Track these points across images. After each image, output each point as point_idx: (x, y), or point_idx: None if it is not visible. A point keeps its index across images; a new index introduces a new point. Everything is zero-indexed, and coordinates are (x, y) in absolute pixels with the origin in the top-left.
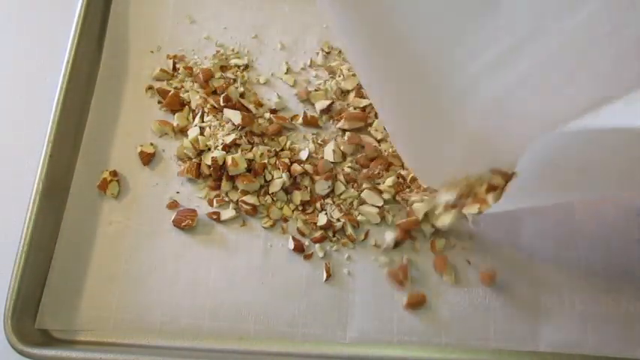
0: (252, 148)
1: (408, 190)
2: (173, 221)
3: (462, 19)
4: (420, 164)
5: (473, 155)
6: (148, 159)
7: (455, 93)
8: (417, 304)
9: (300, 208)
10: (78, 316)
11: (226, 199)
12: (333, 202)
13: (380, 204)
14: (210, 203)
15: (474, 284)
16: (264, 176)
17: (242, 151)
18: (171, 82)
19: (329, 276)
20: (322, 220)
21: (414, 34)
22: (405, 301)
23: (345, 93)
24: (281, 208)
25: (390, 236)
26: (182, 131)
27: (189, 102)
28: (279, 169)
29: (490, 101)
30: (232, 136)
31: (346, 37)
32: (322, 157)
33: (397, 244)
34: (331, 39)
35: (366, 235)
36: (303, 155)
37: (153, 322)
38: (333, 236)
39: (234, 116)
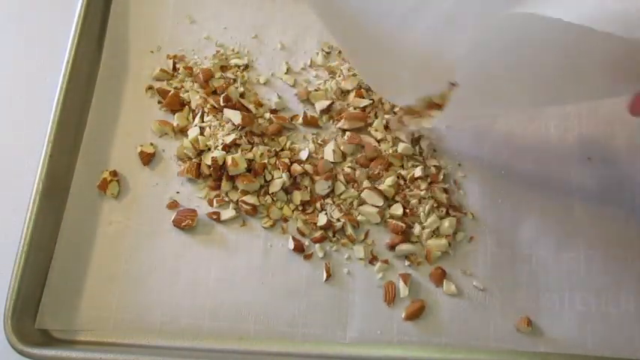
0: (252, 148)
1: (408, 190)
2: (173, 221)
3: None
4: (380, 84)
5: (421, 76)
6: (148, 159)
7: (391, 27)
8: (415, 313)
9: (300, 208)
10: (78, 316)
11: (226, 199)
12: (333, 202)
13: (380, 204)
14: (210, 203)
15: (472, 290)
16: (264, 176)
17: (242, 151)
18: (171, 82)
19: (329, 276)
20: (322, 220)
21: None
22: (403, 314)
23: (345, 93)
24: (281, 208)
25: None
26: (182, 131)
27: (189, 102)
28: (279, 169)
29: (427, 29)
30: (232, 136)
31: None
32: (322, 157)
33: (392, 247)
34: (331, 39)
35: (366, 235)
36: (303, 155)
37: (153, 322)
38: (333, 236)
39: (234, 116)
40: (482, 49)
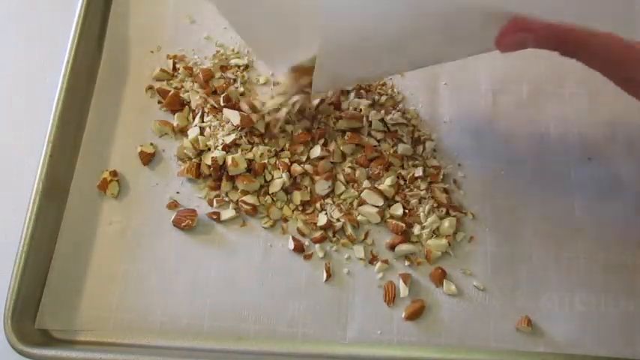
0: (252, 148)
1: (408, 190)
2: (173, 221)
3: None
4: (267, 56)
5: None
6: (147, 159)
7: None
8: (415, 313)
9: (300, 208)
10: (78, 316)
11: (226, 199)
12: (333, 202)
13: (380, 204)
14: (210, 203)
15: (472, 290)
16: (264, 176)
17: (242, 151)
18: (171, 82)
19: (329, 276)
20: (322, 220)
21: None
22: (404, 314)
23: (345, 93)
24: (281, 208)
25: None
26: (182, 131)
27: (189, 102)
28: (279, 169)
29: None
30: (232, 136)
31: None
32: (322, 158)
33: (392, 247)
34: None
35: (366, 235)
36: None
37: (153, 322)
38: (333, 236)
39: (234, 116)
40: (333, 23)
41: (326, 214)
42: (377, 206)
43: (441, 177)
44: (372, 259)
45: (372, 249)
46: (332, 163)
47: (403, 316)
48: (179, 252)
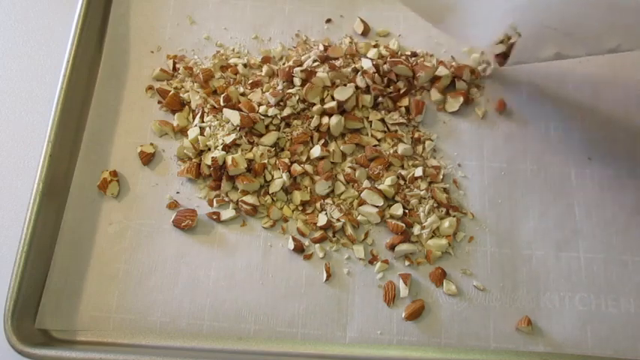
0: (252, 148)
1: (408, 190)
2: (173, 221)
3: None
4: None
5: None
6: (147, 159)
7: None
8: (415, 313)
9: (300, 208)
10: (78, 316)
11: (226, 199)
12: (333, 202)
13: (380, 204)
14: (210, 203)
15: (472, 290)
16: (264, 176)
17: (242, 151)
18: (171, 82)
19: (329, 276)
20: (322, 220)
21: None
22: (404, 314)
23: None
24: (281, 208)
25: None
26: (182, 131)
27: (189, 102)
28: (279, 169)
29: None
30: (232, 136)
31: None
32: (323, 158)
33: (392, 247)
34: (331, 39)
35: (366, 235)
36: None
37: (153, 322)
38: (333, 236)
39: (234, 116)
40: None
41: (326, 214)
42: (377, 206)
43: (441, 177)
44: (372, 259)
45: (372, 249)
46: (332, 163)
47: (403, 316)
48: (179, 252)
